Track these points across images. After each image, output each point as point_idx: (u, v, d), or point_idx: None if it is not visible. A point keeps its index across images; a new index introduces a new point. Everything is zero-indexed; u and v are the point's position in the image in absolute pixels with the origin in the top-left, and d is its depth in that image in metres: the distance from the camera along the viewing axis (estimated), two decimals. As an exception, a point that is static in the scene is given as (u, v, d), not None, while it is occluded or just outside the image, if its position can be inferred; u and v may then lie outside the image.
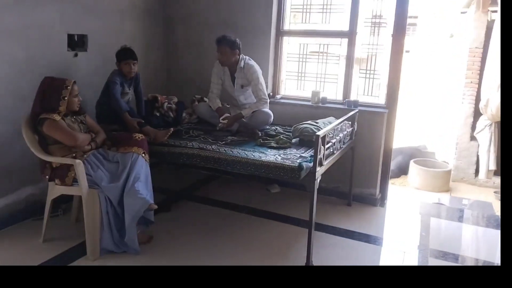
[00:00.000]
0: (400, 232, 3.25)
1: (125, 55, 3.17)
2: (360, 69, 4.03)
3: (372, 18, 3.73)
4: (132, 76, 3.25)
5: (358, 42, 3.76)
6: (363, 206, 3.62)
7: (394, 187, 5.29)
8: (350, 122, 3.34)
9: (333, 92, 3.94)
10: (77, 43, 3.31)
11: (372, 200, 3.66)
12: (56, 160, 2.59)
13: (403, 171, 6.09)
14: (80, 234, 2.66)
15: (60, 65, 3.16)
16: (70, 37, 3.24)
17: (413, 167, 5.62)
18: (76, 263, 2.54)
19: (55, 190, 2.65)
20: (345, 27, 3.74)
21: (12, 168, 2.93)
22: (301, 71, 4.13)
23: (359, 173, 3.58)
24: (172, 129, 3.14)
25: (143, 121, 3.16)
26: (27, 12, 2.90)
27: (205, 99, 3.68)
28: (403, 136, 7.16)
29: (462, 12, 6.83)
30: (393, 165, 6.14)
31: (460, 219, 3.65)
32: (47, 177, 2.65)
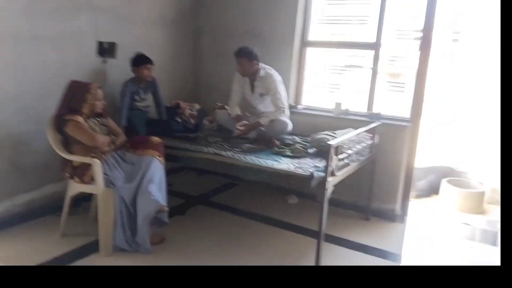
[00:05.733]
0: (420, 250, 3.12)
1: (144, 60, 3.32)
2: (386, 81, 3.95)
3: (399, 31, 3.67)
4: (149, 81, 3.38)
5: (385, 54, 3.69)
6: (382, 222, 3.50)
7: (421, 205, 5.06)
8: (371, 135, 3.27)
9: (359, 104, 3.88)
10: (106, 50, 3.47)
11: (392, 216, 3.54)
12: (76, 158, 2.71)
13: (435, 190, 5.83)
14: (97, 232, 2.75)
15: (89, 70, 3.33)
16: (100, 44, 3.41)
17: (444, 186, 5.36)
18: (89, 258, 2.64)
19: (74, 187, 2.78)
20: (371, 39, 3.69)
21: (37, 165, 3.10)
22: (325, 82, 4.10)
23: (379, 188, 3.48)
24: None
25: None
26: (62, 20, 3.09)
27: (226, 107, 3.74)
28: (437, 153, 6.85)
29: None
30: (425, 183, 5.89)
31: (485, 240, 3.45)
32: (67, 174, 2.78)
